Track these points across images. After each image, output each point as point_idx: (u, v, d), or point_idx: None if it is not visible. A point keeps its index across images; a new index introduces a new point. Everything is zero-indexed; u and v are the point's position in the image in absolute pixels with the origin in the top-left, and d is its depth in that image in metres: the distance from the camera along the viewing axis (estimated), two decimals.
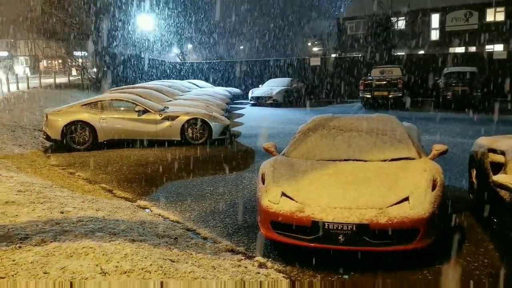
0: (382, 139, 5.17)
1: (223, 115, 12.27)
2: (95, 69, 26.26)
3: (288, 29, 62.33)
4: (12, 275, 2.98)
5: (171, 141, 10.46)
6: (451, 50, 30.51)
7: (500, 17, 30.88)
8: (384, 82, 17.77)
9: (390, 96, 17.54)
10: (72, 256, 3.36)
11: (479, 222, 4.92)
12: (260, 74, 25.21)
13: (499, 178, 4.34)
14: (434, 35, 33.72)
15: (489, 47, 29.72)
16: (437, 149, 5.02)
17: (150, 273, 3.19)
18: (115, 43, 26.18)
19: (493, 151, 5.04)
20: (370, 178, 4.34)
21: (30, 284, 2.88)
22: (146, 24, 28.33)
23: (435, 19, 33.34)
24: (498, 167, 4.81)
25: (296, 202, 4.09)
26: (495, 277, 3.71)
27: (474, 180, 5.67)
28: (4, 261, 3.18)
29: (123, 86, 17.02)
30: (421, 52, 30.41)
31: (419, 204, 3.90)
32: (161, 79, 24.53)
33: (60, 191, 6.09)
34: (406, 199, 3.97)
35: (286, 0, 63.94)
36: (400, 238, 3.83)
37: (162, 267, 3.32)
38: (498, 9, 30.75)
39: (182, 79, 23.50)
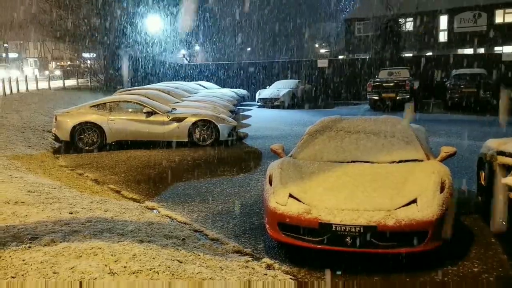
0: (389, 141, 5.15)
1: (230, 117, 12.29)
2: (103, 71, 26.45)
3: (296, 31, 62.34)
4: (22, 275, 3.02)
5: (178, 143, 10.49)
6: (460, 51, 30.30)
7: (509, 18, 30.58)
8: (392, 84, 17.69)
9: (397, 97, 17.45)
10: (81, 256, 3.39)
11: (488, 225, 4.89)
12: (267, 75, 25.20)
13: (508, 180, 4.32)
14: (443, 37, 33.50)
15: (498, 49, 29.48)
16: (445, 151, 5.00)
17: (158, 273, 3.21)
18: (123, 45, 26.33)
19: (502, 153, 5.00)
20: (377, 180, 4.32)
21: (40, 284, 2.91)
22: (154, 26, 28.43)
23: (443, 20, 33.12)
24: (507, 170, 4.77)
25: (304, 203, 4.09)
26: (504, 280, 3.69)
27: (482, 182, 5.63)
28: (15, 261, 3.22)
29: (131, 88, 17.11)
30: (429, 53, 30.23)
31: (428, 206, 3.88)
32: (168, 81, 24.62)
33: (69, 191, 6.14)
34: (414, 201, 3.95)
35: (293, 2, 63.97)
36: (408, 241, 3.81)
37: (170, 267, 3.34)
38: (507, 10, 30.49)
39: (189, 81, 23.56)
